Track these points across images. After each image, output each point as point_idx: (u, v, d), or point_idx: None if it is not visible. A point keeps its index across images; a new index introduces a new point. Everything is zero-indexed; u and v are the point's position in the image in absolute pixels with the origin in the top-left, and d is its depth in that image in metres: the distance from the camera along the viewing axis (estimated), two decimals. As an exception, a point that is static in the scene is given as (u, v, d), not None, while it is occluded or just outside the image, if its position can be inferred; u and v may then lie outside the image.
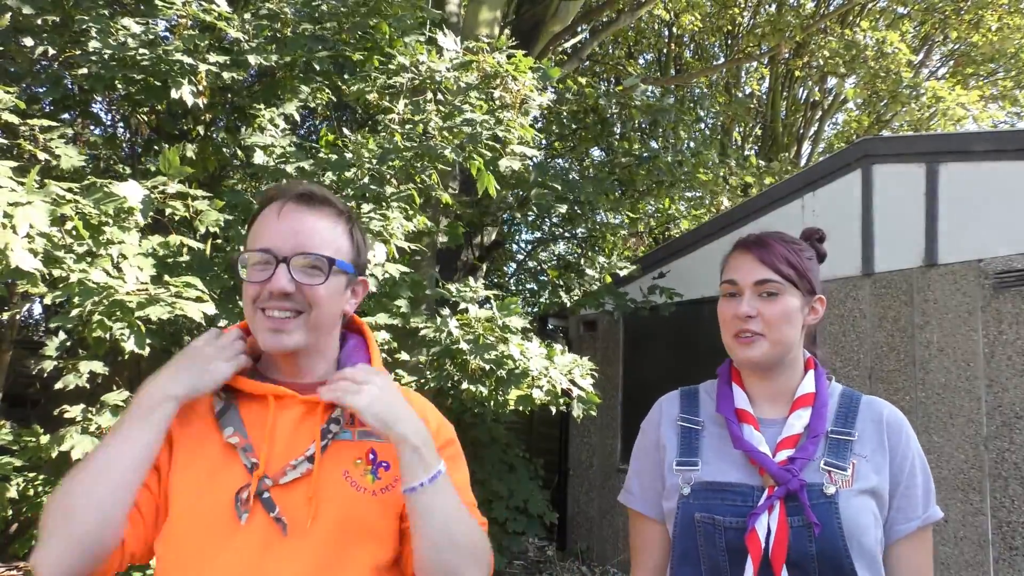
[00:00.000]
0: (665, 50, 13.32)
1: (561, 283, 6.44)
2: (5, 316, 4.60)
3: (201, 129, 4.75)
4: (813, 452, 1.35)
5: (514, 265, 9.68)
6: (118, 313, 2.83)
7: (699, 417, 1.48)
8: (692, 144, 8.87)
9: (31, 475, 3.95)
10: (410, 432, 1.18)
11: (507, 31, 5.67)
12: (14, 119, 3.34)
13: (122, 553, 1.15)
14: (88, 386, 3.56)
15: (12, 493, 3.83)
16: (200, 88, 3.86)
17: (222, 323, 3.52)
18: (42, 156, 3.46)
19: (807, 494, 1.31)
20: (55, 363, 3.81)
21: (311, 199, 1.27)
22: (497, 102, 4.49)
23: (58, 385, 3.49)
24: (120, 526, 1.12)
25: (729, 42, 13.36)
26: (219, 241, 3.80)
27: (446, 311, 4.27)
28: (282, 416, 1.24)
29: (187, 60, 3.73)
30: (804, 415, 1.39)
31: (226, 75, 3.87)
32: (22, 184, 2.76)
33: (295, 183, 1.34)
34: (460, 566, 1.18)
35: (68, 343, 4.03)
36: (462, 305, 4.20)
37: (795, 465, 1.33)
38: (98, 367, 3.56)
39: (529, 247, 9.39)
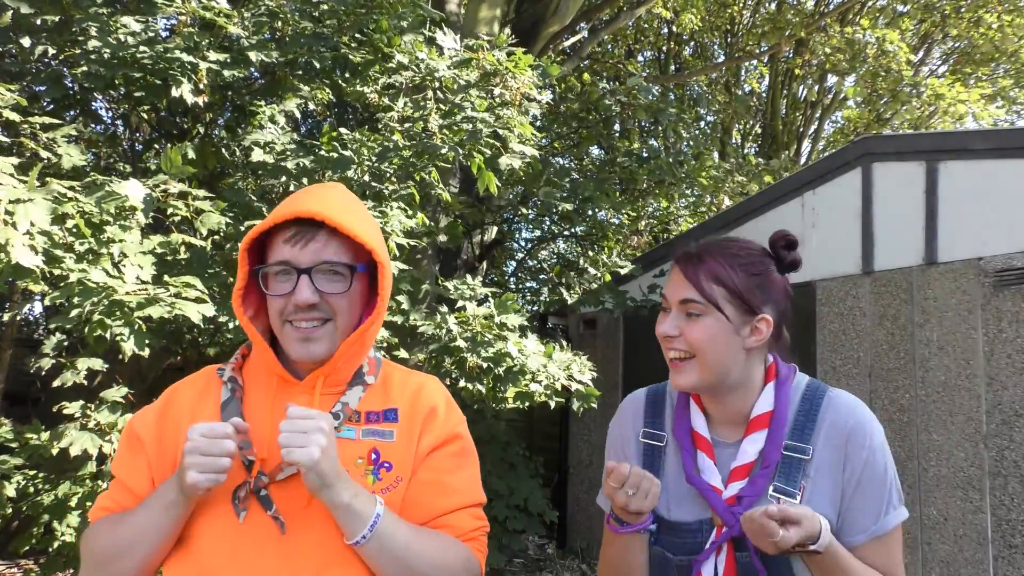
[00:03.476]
0: (665, 48, 13.30)
1: (562, 280, 6.45)
2: (6, 316, 4.60)
3: (201, 128, 4.75)
4: (763, 486, 1.30)
5: (514, 263, 9.68)
6: (117, 313, 2.83)
7: (663, 432, 1.44)
8: (692, 143, 8.86)
9: (31, 473, 3.95)
10: (341, 491, 1.14)
11: (507, 29, 5.65)
12: (15, 117, 3.34)
13: None
14: (86, 383, 3.57)
15: (11, 491, 3.83)
16: (200, 86, 3.86)
17: (222, 318, 3.52)
18: (44, 154, 3.45)
19: None
20: (53, 361, 3.82)
21: None
22: (497, 100, 4.48)
23: (56, 383, 3.49)
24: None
25: (729, 40, 13.35)
26: (218, 237, 3.80)
27: (445, 308, 4.28)
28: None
29: (187, 58, 3.72)
30: (759, 439, 1.33)
31: (227, 73, 3.86)
32: (23, 181, 2.76)
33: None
34: None
35: (66, 342, 4.03)
36: (460, 303, 4.20)
37: (742, 506, 1.29)
38: (97, 364, 3.56)
39: (529, 245, 9.38)
